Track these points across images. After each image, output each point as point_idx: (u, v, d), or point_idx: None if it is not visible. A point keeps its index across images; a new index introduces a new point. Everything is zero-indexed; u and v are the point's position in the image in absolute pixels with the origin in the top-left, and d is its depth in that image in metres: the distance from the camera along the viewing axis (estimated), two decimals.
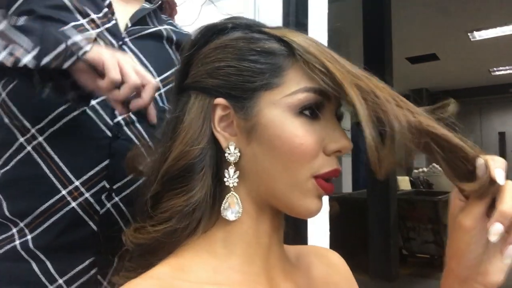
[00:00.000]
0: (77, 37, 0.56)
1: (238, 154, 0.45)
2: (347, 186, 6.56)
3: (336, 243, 1.25)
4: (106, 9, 0.74)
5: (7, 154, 0.66)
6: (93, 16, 0.71)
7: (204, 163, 0.44)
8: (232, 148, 0.44)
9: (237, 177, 0.45)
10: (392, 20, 4.42)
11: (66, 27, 0.60)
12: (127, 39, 0.74)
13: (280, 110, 0.43)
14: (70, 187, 0.64)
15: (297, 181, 0.43)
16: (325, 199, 1.26)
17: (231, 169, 0.45)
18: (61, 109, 0.65)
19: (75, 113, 0.66)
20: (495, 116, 10.27)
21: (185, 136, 0.45)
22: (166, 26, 0.83)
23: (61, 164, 0.64)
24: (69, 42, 0.55)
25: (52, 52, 0.54)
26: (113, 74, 0.55)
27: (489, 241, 0.40)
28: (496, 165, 0.40)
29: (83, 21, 0.69)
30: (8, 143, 0.66)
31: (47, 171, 0.64)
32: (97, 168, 0.65)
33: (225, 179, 0.45)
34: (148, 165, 0.50)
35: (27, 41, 0.55)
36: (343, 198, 5.13)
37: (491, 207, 0.41)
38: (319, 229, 1.27)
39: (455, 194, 0.46)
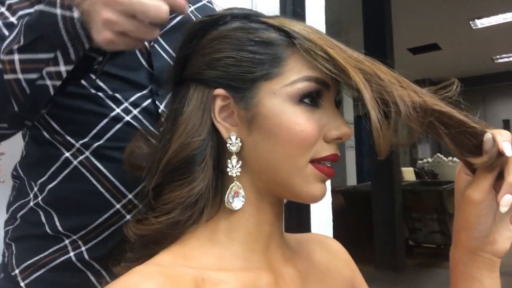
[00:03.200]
0: (50, 9, 0.46)
1: (240, 144, 0.45)
2: (351, 179, 6.56)
3: (342, 235, 1.25)
4: None
5: (52, 169, 0.64)
6: None
7: (205, 154, 0.45)
8: (233, 138, 0.45)
9: (239, 167, 0.45)
10: (392, 10, 4.39)
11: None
12: (159, 38, 0.68)
13: (280, 99, 0.43)
14: (124, 201, 0.63)
15: (296, 168, 0.44)
16: (328, 192, 1.26)
17: (234, 159, 0.45)
18: (103, 123, 0.62)
19: (118, 125, 0.63)
20: (499, 104, 10.23)
21: (185, 128, 0.45)
22: (194, 7, 0.74)
23: (111, 178, 0.62)
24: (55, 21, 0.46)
25: (68, 46, 0.48)
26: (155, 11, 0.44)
27: (496, 212, 0.43)
28: (503, 139, 0.42)
29: None
30: (51, 158, 0.64)
31: (98, 185, 0.62)
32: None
33: (228, 169, 0.45)
34: (147, 158, 0.50)
35: (44, 49, 0.49)
36: (348, 191, 5.13)
37: (498, 179, 0.43)
38: (322, 221, 1.27)
39: (461, 169, 0.48)
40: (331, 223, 1.34)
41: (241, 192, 0.45)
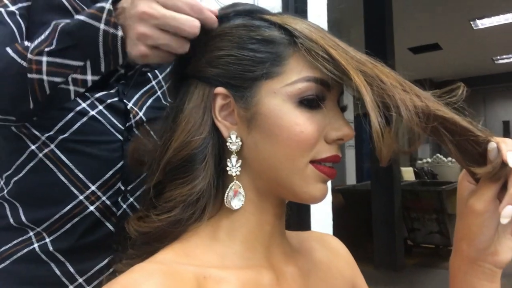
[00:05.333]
0: (95, 23, 0.49)
1: (240, 143, 0.45)
2: (351, 178, 6.56)
3: (341, 234, 1.25)
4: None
5: (18, 162, 0.65)
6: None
7: (206, 153, 0.45)
8: (233, 137, 0.45)
9: (239, 166, 0.45)
10: (394, 9, 4.38)
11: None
12: None
13: (280, 99, 0.43)
14: (87, 192, 0.64)
15: (296, 168, 0.43)
16: (328, 191, 1.26)
17: (234, 158, 0.45)
18: (69, 116, 0.63)
19: (84, 119, 0.64)
20: (499, 105, 10.22)
21: (186, 126, 0.45)
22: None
23: (75, 170, 0.64)
24: (100, 36, 0.48)
25: (100, 58, 0.50)
26: (189, 24, 0.46)
27: (499, 222, 0.41)
28: (508, 148, 0.40)
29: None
30: (18, 151, 0.64)
31: (62, 177, 0.63)
32: (111, 171, 0.65)
33: (227, 168, 0.45)
34: (150, 155, 0.50)
35: (74, 56, 0.51)
36: (348, 190, 5.14)
37: (502, 189, 0.42)
38: (322, 220, 1.28)
39: (464, 177, 0.47)
40: (331, 222, 1.34)
41: (241, 191, 0.45)
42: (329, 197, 1.27)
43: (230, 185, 0.45)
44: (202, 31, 0.47)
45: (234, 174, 0.45)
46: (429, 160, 7.38)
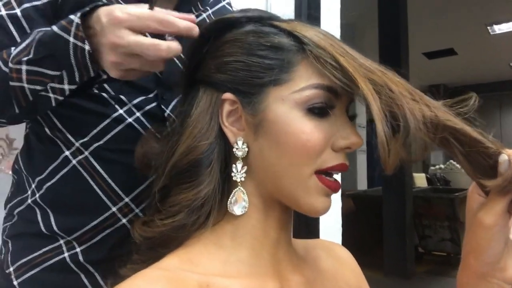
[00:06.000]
0: (69, 37, 0.49)
1: (246, 149, 0.44)
2: (362, 184, 6.50)
3: (351, 240, 1.24)
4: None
5: (52, 167, 0.63)
6: None
7: (212, 158, 0.44)
8: (240, 143, 0.44)
9: (244, 172, 0.45)
10: (409, 13, 4.34)
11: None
12: None
13: (288, 106, 0.42)
14: (120, 204, 0.63)
15: (300, 178, 0.43)
16: (338, 196, 1.25)
17: (239, 164, 0.45)
18: (105, 123, 0.62)
19: (120, 127, 0.62)
20: None
21: (193, 130, 0.45)
22: (211, 10, 0.73)
23: (109, 180, 0.62)
24: (71, 48, 0.49)
25: (74, 69, 0.51)
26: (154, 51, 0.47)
27: (509, 237, 0.40)
28: None
29: None
30: (51, 155, 0.64)
31: (95, 187, 0.62)
32: (146, 183, 0.63)
33: (232, 174, 0.45)
34: (158, 159, 0.50)
35: (51, 66, 0.51)
36: (358, 195, 5.09)
37: None
38: (331, 226, 1.26)
39: (474, 189, 0.46)
40: (340, 228, 1.33)
41: (244, 197, 0.44)
42: (338, 203, 1.26)
43: (234, 191, 0.45)
44: (213, 36, 0.47)
45: (238, 180, 0.44)
46: (442, 166, 7.28)
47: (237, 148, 0.44)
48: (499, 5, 5.02)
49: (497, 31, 6.00)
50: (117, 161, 0.62)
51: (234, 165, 0.45)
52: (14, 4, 0.59)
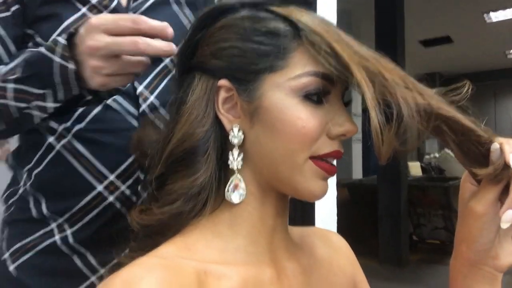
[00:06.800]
0: (55, 58, 0.52)
1: (242, 136, 0.44)
2: (357, 173, 6.54)
3: (347, 229, 1.25)
4: None
5: (38, 155, 0.66)
6: (93, 0, 0.66)
7: (208, 145, 0.44)
8: (236, 130, 0.44)
9: (241, 160, 0.44)
10: (405, 1, 4.32)
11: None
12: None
13: (284, 93, 0.42)
14: (106, 182, 0.65)
15: (296, 163, 0.42)
16: (333, 185, 1.26)
17: (235, 152, 0.44)
18: (84, 107, 0.64)
19: (98, 108, 0.65)
20: (510, 100, 10.09)
21: (188, 117, 0.44)
22: None
23: (93, 160, 0.64)
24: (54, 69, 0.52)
25: (57, 88, 0.53)
26: (131, 47, 0.49)
27: (500, 226, 0.40)
28: (511, 150, 0.39)
29: (84, 9, 0.66)
30: (37, 144, 0.66)
31: (80, 168, 0.64)
32: (129, 160, 0.65)
33: (229, 162, 0.44)
34: (153, 146, 0.50)
35: (36, 85, 0.54)
36: (353, 184, 5.12)
37: (504, 192, 0.41)
38: (326, 214, 1.27)
39: (466, 178, 0.46)
40: (336, 217, 1.33)
41: (242, 185, 0.44)
42: (333, 192, 1.27)
43: (231, 179, 0.44)
44: (209, 21, 0.47)
45: (235, 167, 0.44)
46: (437, 155, 7.33)
47: (233, 136, 0.44)
48: None
49: (493, 19, 5.99)
50: (98, 140, 0.65)
51: (230, 153, 0.44)
52: None
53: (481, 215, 0.42)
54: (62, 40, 0.51)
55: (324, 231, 0.61)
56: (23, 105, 0.55)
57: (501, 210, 0.39)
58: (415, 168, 6.50)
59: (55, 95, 0.54)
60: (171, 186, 0.45)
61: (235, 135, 0.44)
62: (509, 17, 5.86)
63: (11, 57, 0.63)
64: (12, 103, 0.55)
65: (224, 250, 0.44)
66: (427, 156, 7.57)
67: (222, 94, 0.44)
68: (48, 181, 0.66)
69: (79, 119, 0.64)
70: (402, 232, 4.14)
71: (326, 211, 1.27)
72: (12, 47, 0.66)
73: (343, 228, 1.29)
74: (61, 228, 0.65)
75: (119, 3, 0.69)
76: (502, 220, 0.39)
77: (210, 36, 0.46)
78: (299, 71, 0.42)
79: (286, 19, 0.44)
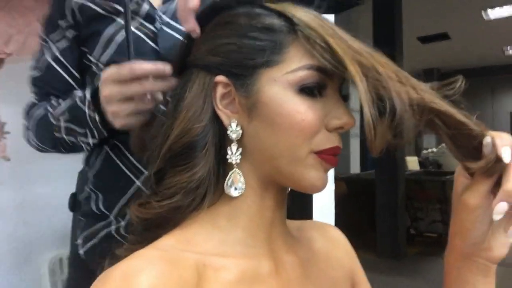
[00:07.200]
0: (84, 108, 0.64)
1: (240, 131, 0.44)
2: (355, 167, 6.55)
3: (345, 222, 1.26)
4: None
5: (93, 157, 0.77)
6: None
7: (207, 141, 0.45)
8: (234, 125, 0.44)
9: (240, 154, 0.45)
10: None
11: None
12: (167, 19, 0.72)
13: (281, 87, 0.42)
14: (142, 177, 0.72)
15: (298, 157, 0.43)
16: (331, 179, 1.27)
17: (234, 146, 0.45)
18: None
19: None
20: (507, 96, 10.11)
21: (187, 114, 0.45)
22: None
23: (131, 158, 0.72)
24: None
25: (92, 129, 0.65)
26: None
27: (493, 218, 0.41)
28: (503, 143, 0.40)
29: (118, 19, 0.73)
30: (94, 149, 0.76)
31: (122, 166, 0.73)
32: None
33: (227, 156, 0.45)
34: (153, 142, 0.50)
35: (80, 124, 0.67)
36: (351, 178, 5.14)
37: (497, 185, 0.41)
38: (324, 208, 1.28)
39: (460, 171, 0.47)
40: (333, 210, 1.35)
41: (241, 179, 0.45)
42: (331, 186, 1.28)
43: (230, 173, 0.45)
44: (205, 19, 0.47)
45: (234, 162, 0.45)
46: (434, 149, 7.35)
47: (231, 131, 0.44)
48: None
49: (491, 16, 5.98)
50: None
51: (229, 147, 0.45)
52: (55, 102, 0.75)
53: (474, 207, 0.42)
54: (88, 95, 0.63)
55: (322, 224, 0.61)
56: (72, 139, 0.69)
57: (493, 202, 0.40)
58: (412, 163, 6.52)
59: (93, 134, 0.65)
60: (170, 180, 0.45)
61: (233, 130, 0.44)
62: (506, 14, 5.86)
63: (75, 80, 0.78)
64: (65, 137, 0.69)
65: (223, 243, 0.44)
66: (424, 151, 7.59)
67: (220, 90, 0.45)
68: (101, 180, 0.76)
69: None
70: (400, 225, 4.16)
71: (324, 204, 1.28)
72: (76, 73, 0.79)
73: (341, 221, 1.30)
74: (117, 220, 0.74)
75: (151, 7, 0.73)
76: (494, 212, 0.39)
77: (206, 33, 0.47)
78: (295, 65, 0.42)
79: (281, 15, 0.44)
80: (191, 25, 0.48)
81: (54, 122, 0.70)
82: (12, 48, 1.04)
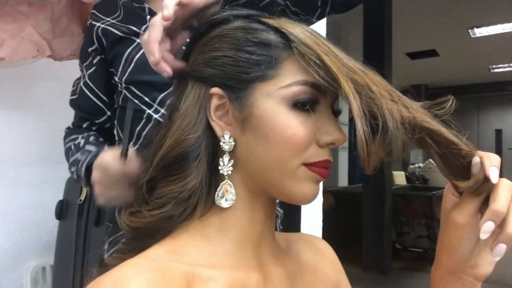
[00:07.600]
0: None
1: (233, 143, 0.45)
2: (343, 180, 6.59)
3: (331, 235, 1.26)
4: (148, 17, 0.83)
5: (138, 128, 0.83)
6: (142, 30, 0.83)
7: (200, 151, 0.45)
8: (227, 137, 0.45)
9: (231, 166, 0.45)
10: (393, 14, 4.40)
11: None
12: None
13: (274, 101, 0.43)
14: None
15: (288, 169, 0.43)
16: (320, 192, 1.27)
17: (226, 158, 0.45)
18: (141, 124, 0.83)
19: (150, 124, 0.82)
20: (493, 113, 10.31)
21: (181, 124, 0.45)
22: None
23: None
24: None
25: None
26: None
27: (480, 236, 0.41)
28: (491, 163, 0.41)
29: (138, 40, 0.82)
30: (137, 118, 0.82)
31: None
32: None
33: (219, 167, 0.45)
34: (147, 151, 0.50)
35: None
36: (339, 191, 5.16)
37: (484, 203, 0.42)
38: (312, 220, 1.28)
39: (449, 189, 0.47)
40: (321, 223, 1.35)
41: (232, 190, 0.45)
42: (319, 199, 1.28)
43: (221, 184, 0.45)
44: (202, 32, 0.48)
45: (225, 173, 0.45)
46: (421, 165, 7.43)
47: (224, 142, 0.45)
48: (480, 9, 5.15)
49: (478, 35, 6.14)
50: None
51: (221, 159, 0.45)
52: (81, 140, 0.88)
53: (462, 225, 0.43)
54: (82, 172, 0.76)
55: (309, 236, 0.62)
56: (82, 184, 0.81)
57: (481, 221, 0.40)
58: (399, 177, 6.57)
59: (91, 189, 0.75)
60: (162, 189, 0.45)
61: (226, 142, 0.45)
62: (492, 33, 6.02)
63: (103, 103, 0.91)
64: (75, 177, 0.82)
65: (213, 254, 0.44)
66: (411, 166, 7.66)
67: (215, 102, 0.45)
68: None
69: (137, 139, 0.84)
70: (386, 240, 4.17)
71: (312, 217, 1.29)
72: (103, 96, 0.89)
73: (328, 234, 1.30)
74: None
75: None
76: (482, 230, 0.40)
77: (203, 45, 0.47)
78: (289, 80, 0.43)
79: (277, 31, 0.45)
80: (156, 58, 0.47)
81: (68, 160, 0.84)
82: (4, 53, 1.04)
